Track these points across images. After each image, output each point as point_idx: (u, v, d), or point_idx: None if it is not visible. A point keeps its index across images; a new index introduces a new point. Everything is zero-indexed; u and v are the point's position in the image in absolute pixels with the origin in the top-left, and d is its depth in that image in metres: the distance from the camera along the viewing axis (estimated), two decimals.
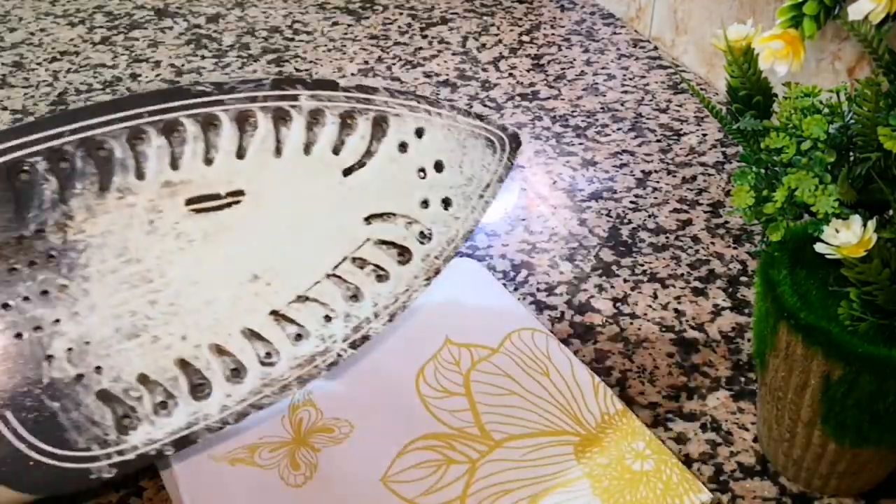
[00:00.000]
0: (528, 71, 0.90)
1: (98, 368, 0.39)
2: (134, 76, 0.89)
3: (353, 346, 0.45)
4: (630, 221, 0.69)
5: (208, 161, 0.41)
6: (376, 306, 0.45)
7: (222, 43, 0.95)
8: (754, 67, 0.44)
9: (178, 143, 0.40)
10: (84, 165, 0.38)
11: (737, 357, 0.57)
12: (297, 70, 0.90)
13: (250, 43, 0.95)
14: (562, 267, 0.64)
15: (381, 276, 0.45)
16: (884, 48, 0.41)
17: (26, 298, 0.37)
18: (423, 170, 0.47)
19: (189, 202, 0.41)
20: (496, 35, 0.97)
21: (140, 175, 0.40)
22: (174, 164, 0.40)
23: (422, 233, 0.47)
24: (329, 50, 0.94)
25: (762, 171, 0.43)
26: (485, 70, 0.90)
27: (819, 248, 0.40)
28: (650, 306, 0.61)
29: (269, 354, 0.42)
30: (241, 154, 0.42)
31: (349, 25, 0.99)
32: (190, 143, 0.41)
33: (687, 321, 0.60)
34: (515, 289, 0.62)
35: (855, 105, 0.41)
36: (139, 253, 0.39)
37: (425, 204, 0.47)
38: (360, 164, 0.45)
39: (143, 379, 0.40)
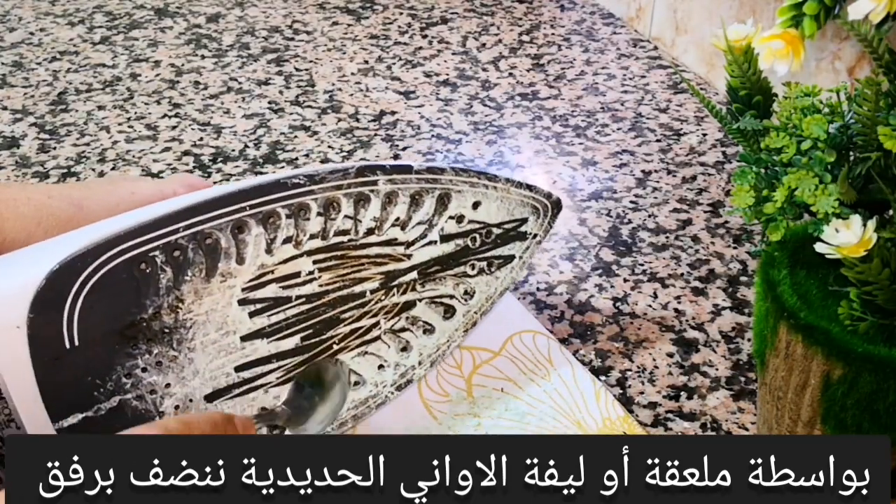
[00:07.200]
0: (528, 71, 0.90)
1: None
2: (134, 76, 0.89)
3: (399, 388, 0.51)
4: (630, 221, 0.69)
5: (297, 244, 0.46)
6: (421, 356, 0.51)
7: (222, 43, 0.95)
8: (754, 67, 0.44)
9: (272, 230, 0.45)
10: (194, 255, 0.43)
11: (737, 357, 0.57)
12: (297, 70, 0.90)
13: (250, 43, 0.95)
14: (562, 267, 0.64)
15: (428, 329, 0.51)
16: (884, 48, 0.41)
17: (144, 369, 0.42)
18: (474, 237, 0.52)
19: (277, 281, 0.46)
20: (496, 35, 0.97)
21: (240, 260, 0.45)
22: (269, 250, 0.45)
23: (466, 291, 0.52)
24: (329, 50, 0.94)
25: (762, 171, 0.43)
26: (485, 70, 0.90)
27: (819, 248, 0.40)
28: (650, 306, 0.61)
29: None
30: (324, 236, 0.47)
31: (349, 25, 0.99)
32: (283, 229, 0.45)
33: (687, 321, 0.60)
34: (515, 289, 0.62)
35: (855, 105, 0.41)
36: (235, 326, 0.45)
37: (472, 267, 0.52)
38: (422, 236, 0.50)
39: None
